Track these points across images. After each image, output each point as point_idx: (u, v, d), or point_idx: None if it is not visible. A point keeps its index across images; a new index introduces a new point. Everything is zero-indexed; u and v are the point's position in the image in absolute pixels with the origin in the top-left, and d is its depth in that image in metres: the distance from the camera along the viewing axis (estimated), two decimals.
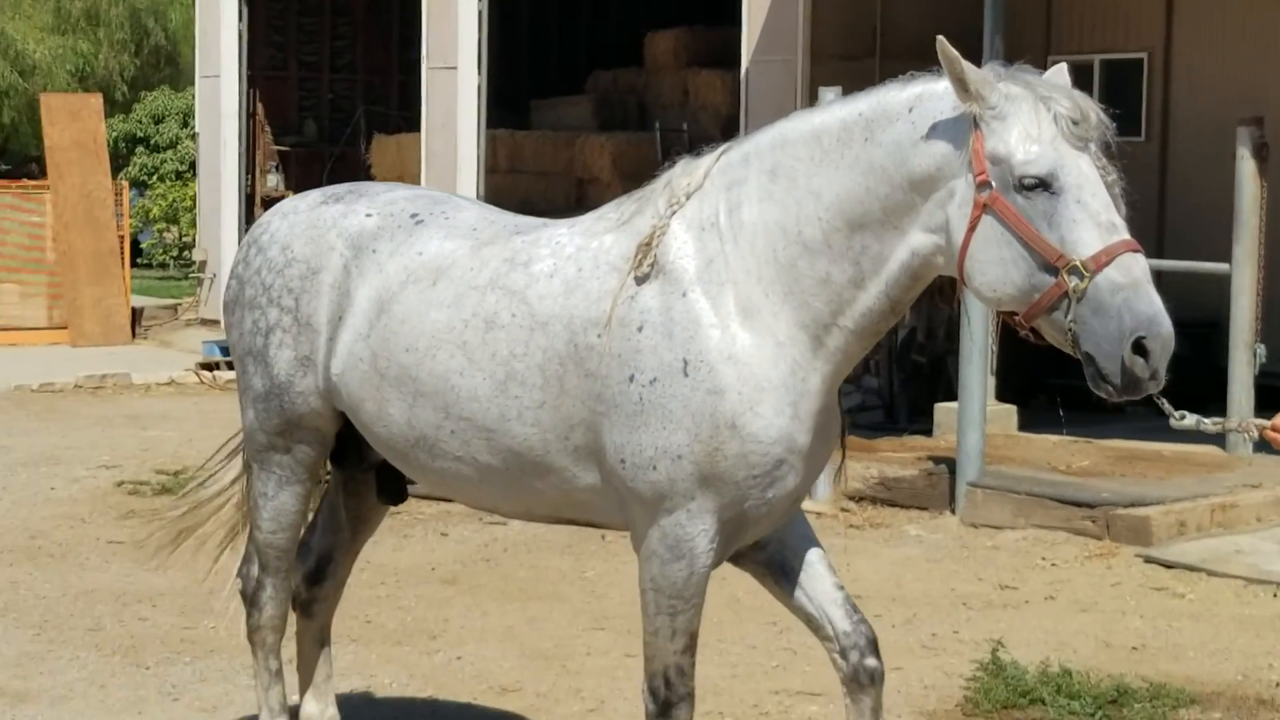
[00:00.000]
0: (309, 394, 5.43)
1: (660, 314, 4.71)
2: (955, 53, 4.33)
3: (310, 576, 5.97)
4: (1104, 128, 4.43)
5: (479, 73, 18.40)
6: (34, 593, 8.78)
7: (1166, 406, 4.62)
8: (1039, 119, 4.37)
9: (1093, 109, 4.42)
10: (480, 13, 18.27)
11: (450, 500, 10.20)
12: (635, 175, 17.92)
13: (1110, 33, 16.24)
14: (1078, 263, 4.24)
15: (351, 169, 21.27)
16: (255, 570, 5.80)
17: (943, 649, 7.88)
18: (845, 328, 4.68)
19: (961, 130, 4.44)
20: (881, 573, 9.32)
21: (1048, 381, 14.16)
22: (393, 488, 5.84)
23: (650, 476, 4.71)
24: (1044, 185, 4.31)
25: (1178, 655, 7.78)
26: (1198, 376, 13.64)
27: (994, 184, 4.35)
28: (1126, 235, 4.30)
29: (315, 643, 6.03)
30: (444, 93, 18.70)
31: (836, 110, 4.74)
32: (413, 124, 20.12)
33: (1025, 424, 12.84)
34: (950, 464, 10.91)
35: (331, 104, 23.97)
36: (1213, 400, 12.55)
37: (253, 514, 5.76)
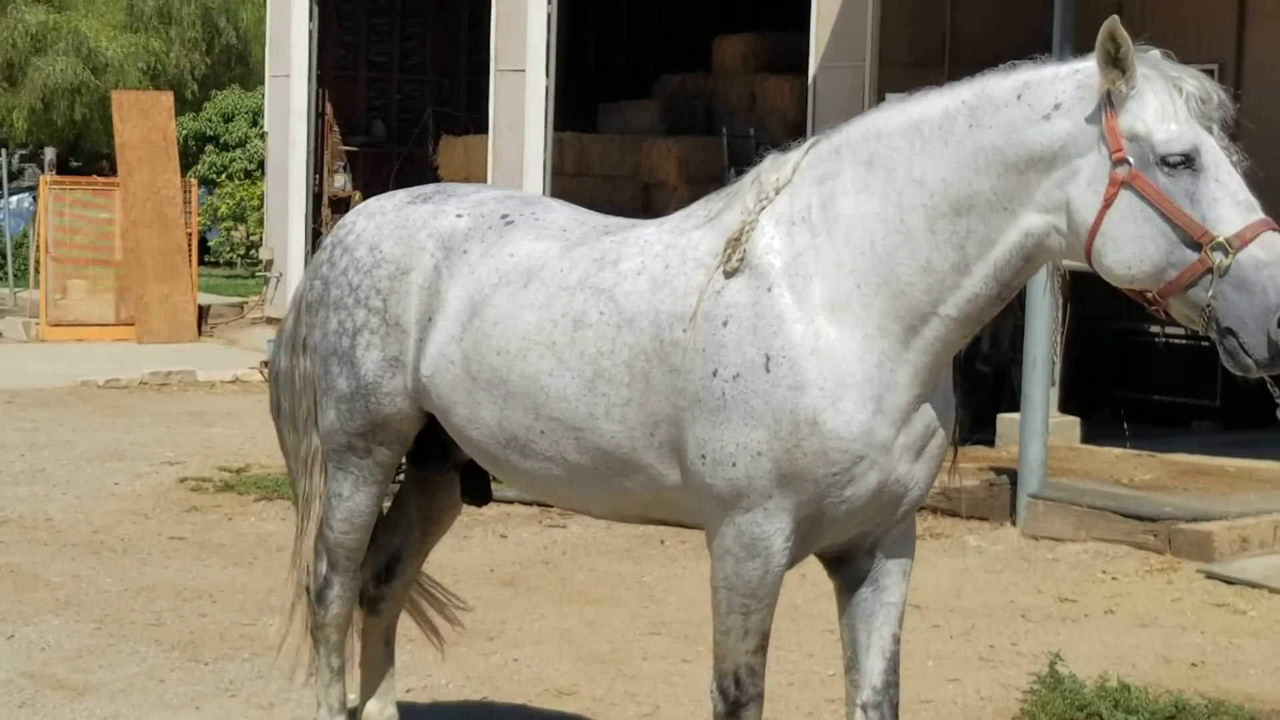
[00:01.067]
0: (396, 395, 5.41)
1: (745, 309, 4.68)
2: (1125, 33, 4.34)
3: (379, 575, 5.97)
4: (1225, 108, 4.43)
5: (547, 75, 18.44)
6: (95, 587, 8.86)
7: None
8: (1172, 98, 4.37)
9: (1215, 89, 4.43)
10: (549, 16, 18.30)
11: (513, 502, 10.36)
12: (701, 180, 18.03)
13: (1182, 43, 16.06)
14: (1222, 239, 4.24)
15: (419, 170, 21.36)
16: (324, 568, 5.77)
17: (1000, 661, 7.86)
18: (947, 316, 4.63)
19: (1084, 110, 4.43)
20: (941, 583, 9.29)
21: (1112, 394, 14.13)
22: (478, 489, 5.83)
23: (729, 473, 4.67)
24: (1187, 163, 4.31)
25: (1237, 672, 7.73)
26: (1265, 391, 13.57)
27: (1132, 161, 4.33)
28: (1263, 214, 4.32)
29: (380, 641, 6.04)
30: (512, 95, 18.76)
31: (935, 100, 4.72)
32: (480, 126, 20.19)
33: (1088, 436, 12.78)
34: (1012, 475, 10.87)
35: (400, 104, 24.09)
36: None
37: (326, 514, 5.72)
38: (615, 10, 22.90)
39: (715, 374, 4.68)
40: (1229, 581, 9.30)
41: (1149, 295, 4.42)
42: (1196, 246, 4.27)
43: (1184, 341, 14.17)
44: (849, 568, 5.01)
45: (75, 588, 8.82)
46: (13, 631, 7.96)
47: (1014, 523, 10.64)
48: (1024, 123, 4.50)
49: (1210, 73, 16.04)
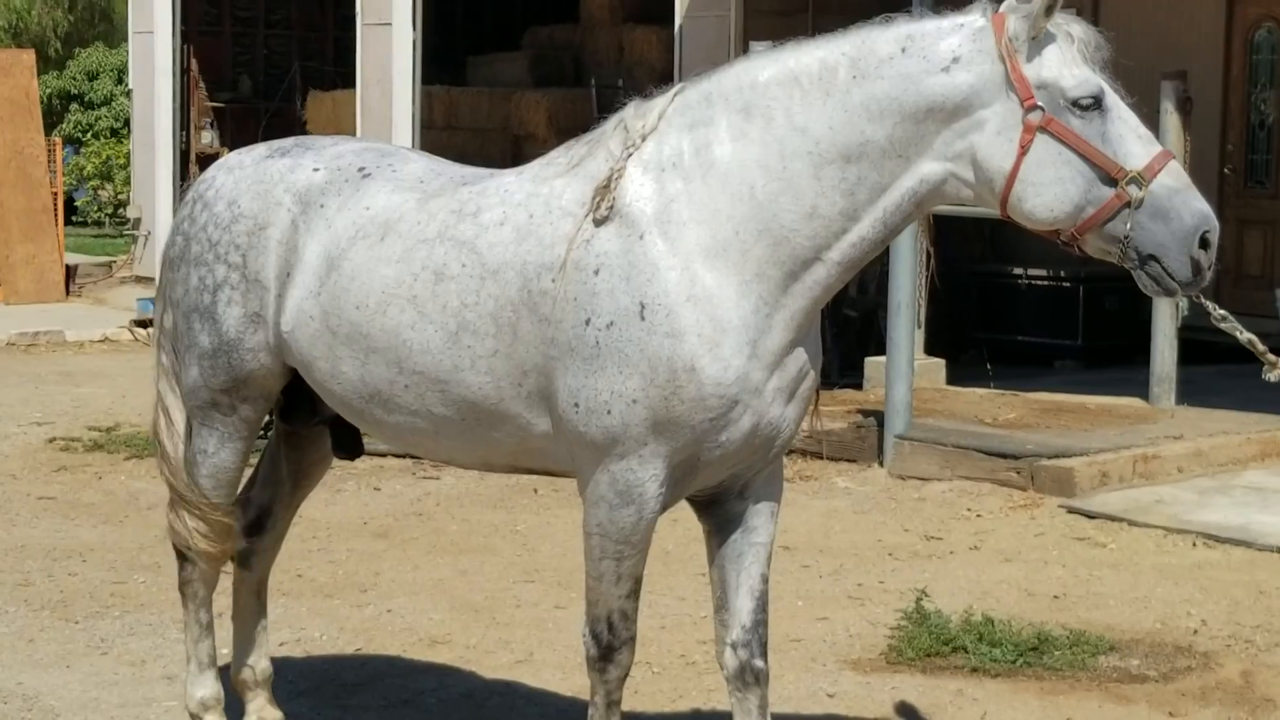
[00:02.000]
0: (258, 350, 5.34)
1: (618, 257, 4.66)
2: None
3: (249, 529, 5.89)
4: (1103, 50, 4.57)
5: (414, 29, 18.27)
6: None
7: (1210, 305, 4.82)
8: (1067, 44, 4.51)
9: (1094, 33, 4.57)
10: None
11: (386, 455, 10.30)
12: (571, 131, 17.72)
13: None
14: (1135, 173, 4.40)
15: (287, 125, 21.02)
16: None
17: (868, 599, 7.92)
18: (831, 260, 4.67)
19: (984, 62, 4.53)
20: (810, 524, 9.36)
21: (976, 335, 14.30)
22: (348, 443, 5.78)
23: (604, 421, 4.66)
24: (1096, 104, 4.45)
25: (1098, 604, 7.84)
26: (1125, 330, 13.83)
27: (1044, 107, 4.44)
28: (1161, 145, 4.51)
29: (252, 595, 5.96)
30: (379, 49, 18.57)
31: (811, 50, 4.74)
32: (348, 80, 19.94)
33: (953, 378, 12.88)
34: (879, 417, 10.96)
35: (266, 60, 23.75)
36: (1138, 352, 12.73)
37: (192, 470, 5.67)
38: None
39: (588, 323, 4.65)
40: (1090, 516, 9.45)
41: (1064, 235, 4.55)
42: (1112, 182, 4.42)
43: (1046, 283, 14.39)
44: (719, 510, 5.05)
45: None
46: None
47: (881, 463, 10.73)
48: (921, 74, 4.56)
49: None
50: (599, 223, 4.71)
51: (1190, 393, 11.91)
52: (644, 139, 4.81)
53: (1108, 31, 4.76)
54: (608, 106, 16.31)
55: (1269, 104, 15.33)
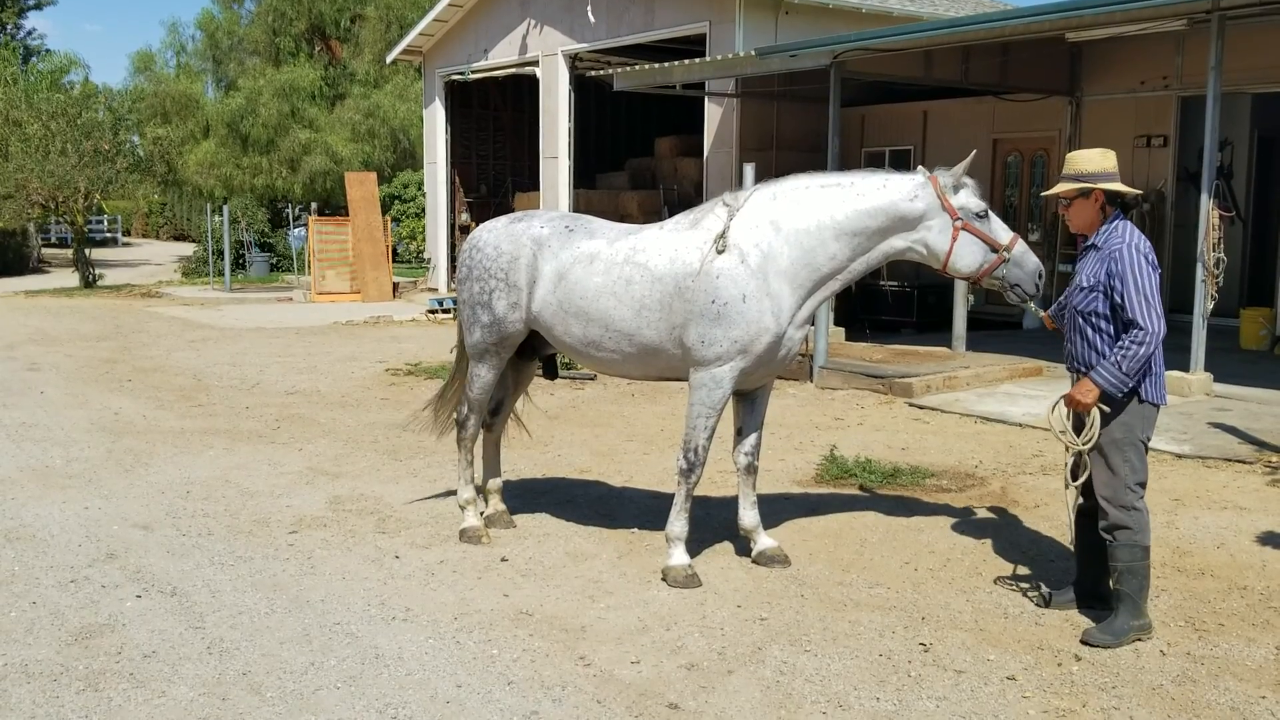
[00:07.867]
0: (516, 322, 5.31)
1: (729, 271, 4.70)
2: (964, 167, 4.72)
3: (492, 412, 5.92)
4: (979, 189, 4.77)
5: (569, 159, 18.22)
6: (342, 424, 8.82)
7: (1030, 305, 4.81)
8: (970, 188, 4.70)
9: (974, 182, 4.75)
10: (569, 129, 18.09)
11: (554, 379, 10.27)
12: (649, 214, 17.83)
13: (891, 134, 16.02)
14: (1004, 245, 4.62)
15: (505, 211, 21.05)
16: (466, 410, 5.72)
17: (805, 449, 7.87)
18: (839, 279, 4.78)
19: (928, 194, 4.68)
20: (776, 410, 9.24)
21: (860, 316, 14.12)
22: (551, 371, 5.86)
23: (716, 350, 4.72)
24: (985, 215, 4.64)
25: (925, 452, 7.76)
26: (938, 312, 13.55)
27: (962, 218, 4.63)
28: (1013, 232, 4.72)
29: (493, 445, 6.00)
30: (551, 170, 18.52)
31: (832, 177, 4.84)
32: (537, 186, 19.94)
33: (849, 337, 12.74)
34: (811, 357, 10.84)
35: (494, 176, 23.70)
36: (945, 324, 12.46)
37: (470, 384, 5.64)
38: (603, 124, 22.56)
39: (714, 302, 4.71)
40: (920, 408, 9.34)
41: (974, 278, 4.69)
42: (995, 251, 4.61)
43: (897, 288, 14.17)
44: (747, 397, 5.14)
45: (332, 424, 8.78)
46: (301, 447, 7.94)
47: (812, 381, 10.62)
48: (901, 200, 4.69)
49: (908, 151, 15.84)
50: (720, 252, 4.73)
51: (972, 344, 11.70)
52: (739, 211, 4.83)
53: (928, 164, 4.75)
54: (669, 201, 15.92)
55: (1011, 195, 15.09)
